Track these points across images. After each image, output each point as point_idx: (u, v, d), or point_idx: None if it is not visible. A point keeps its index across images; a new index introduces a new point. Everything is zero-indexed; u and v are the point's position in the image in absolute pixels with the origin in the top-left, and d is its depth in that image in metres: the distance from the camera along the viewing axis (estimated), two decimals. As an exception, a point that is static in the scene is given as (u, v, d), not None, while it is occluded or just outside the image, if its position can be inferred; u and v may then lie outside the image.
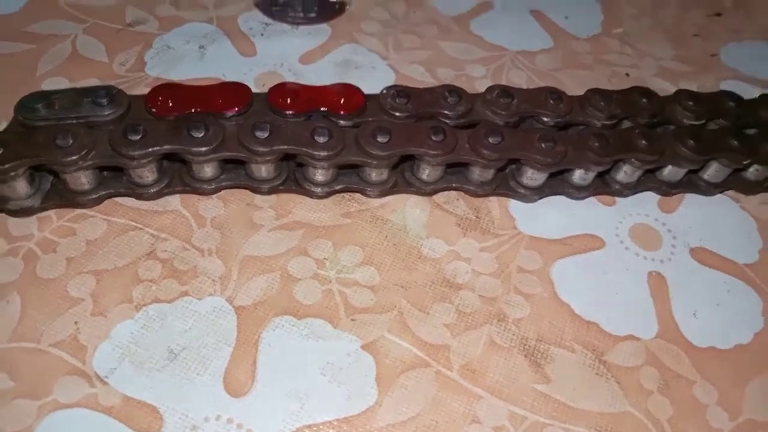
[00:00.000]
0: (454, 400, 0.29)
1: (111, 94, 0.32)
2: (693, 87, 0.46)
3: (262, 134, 0.32)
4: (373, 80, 0.42)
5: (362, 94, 0.35)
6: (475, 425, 0.29)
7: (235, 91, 0.34)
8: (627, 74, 0.46)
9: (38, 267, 0.31)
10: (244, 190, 0.35)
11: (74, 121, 0.32)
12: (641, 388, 0.31)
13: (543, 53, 0.47)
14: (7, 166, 0.29)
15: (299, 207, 0.35)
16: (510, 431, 0.29)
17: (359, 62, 0.43)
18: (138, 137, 0.31)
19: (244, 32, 0.44)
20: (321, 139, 0.32)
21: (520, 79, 0.44)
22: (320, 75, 0.42)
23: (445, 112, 0.36)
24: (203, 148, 0.31)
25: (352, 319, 0.31)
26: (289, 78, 0.41)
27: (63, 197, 0.33)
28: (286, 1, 0.44)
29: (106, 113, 0.32)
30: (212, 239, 0.33)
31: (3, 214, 0.32)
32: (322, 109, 0.34)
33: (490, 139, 0.34)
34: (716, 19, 0.53)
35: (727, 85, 0.47)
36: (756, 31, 0.53)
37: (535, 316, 0.33)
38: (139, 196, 0.33)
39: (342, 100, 0.35)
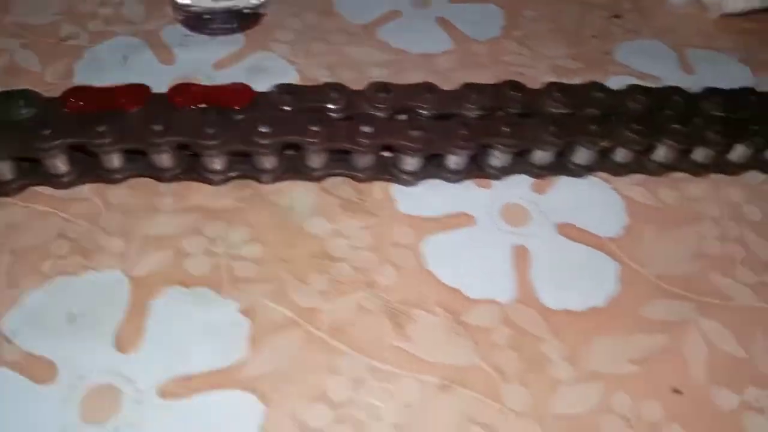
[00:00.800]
0: (319, 355, 0.33)
1: (26, 96, 0.37)
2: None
3: (158, 127, 0.37)
4: (280, 81, 0.47)
5: (252, 91, 0.40)
6: (337, 376, 0.33)
7: (138, 91, 0.39)
8: (521, 73, 0.51)
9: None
10: (149, 179, 0.39)
11: (-8, 121, 0.37)
12: (494, 345, 0.35)
13: (443, 55, 0.51)
14: None
15: (198, 193, 0.39)
16: (367, 381, 0.33)
17: (268, 67, 0.48)
18: (48, 131, 0.36)
19: (166, 43, 0.49)
20: (210, 130, 0.37)
21: (418, 80, 0.49)
22: (231, 79, 0.46)
23: (328, 105, 0.40)
24: (105, 140, 0.36)
25: (235, 288, 0.35)
26: (204, 82, 0.46)
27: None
28: (208, 17, 0.49)
29: (23, 112, 0.37)
30: (116, 222, 0.37)
31: (-66, 204, 0.37)
32: (215, 105, 0.39)
33: (364, 128, 0.39)
34: (615, 21, 0.58)
35: (615, 80, 0.51)
36: (651, 31, 0.57)
37: (403, 284, 0.37)
38: (55, 185, 0.38)
39: (234, 96, 0.39)
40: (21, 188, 0.38)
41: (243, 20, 0.50)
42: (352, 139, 0.38)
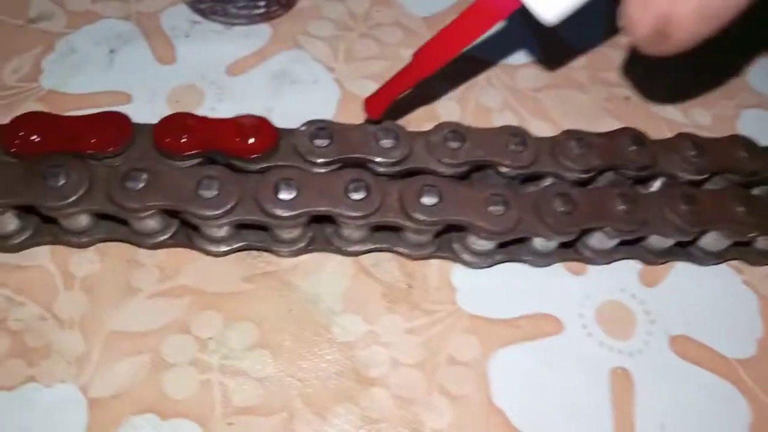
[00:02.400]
0: None
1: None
2: (707, 116, 0.38)
3: (136, 185, 0.26)
4: (311, 98, 0.35)
5: (274, 130, 0.29)
6: None
7: (113, 125, 0.28)
8: (627, 97, 0.38)
9: None
10: (126, 244, 0.29)
11: None
12: None
13: (528, 67, 0.39)
14: None
15: (191, 266, 0.29)
16: None
17: (298, 74, 0.36)
18: (-17, 185, 0.25)
19: (166, 33, 0.37)
20: (208, 194, 0.26)
21: (493, 102, 0.37)
22: (249, 90, 0.35)
23: (377, 158, 0.29)
24: (60, 202, 0.26)
25: (229, 423, 0.26)
26: (211, 93, 0.35)
27: None
28: (225, -2, 0.37)
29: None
30: (77, 306, 0.28)
31: None
32: (220, 150, 0.28)
33: (426, 199, 0.27)
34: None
35: (749, 116, 0.39)
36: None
37: (458, 426, 0.27)
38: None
39: (246, 139, 0.28)
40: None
41: (270, 4, 0.38)
42: (409, 215, 0.27)
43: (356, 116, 0.35)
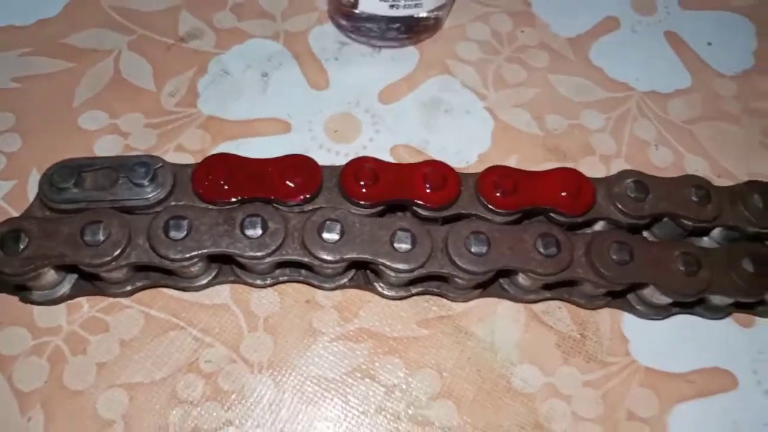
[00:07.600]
0: None
1: (152, 170, 0.27)
2: None
3: (332, 236, 0.26)
4: (466, 129, 0.35)
5: (456, 176, 0.28)
6: None
7: (302, 171, 0.27)
8: (785, 131, 0.37)
9: (66, 373, 0.27)
10: (304, 285, 0.29)
11: (108, 205, 0.26)
12: None
13: (678, 96, 0.38)
14: (26, 268, 0.24)
15: (368, 309, 0.29)
16: None
17: (451, 103, 0.35)
18: (182, 235, 0.25)
19: (316, 54, 0.36)
20: (403, 247, 0.26)
21: (647, 134, 0.36)
22: (402, 119, 0.34)
23: (560, 209, 0.28)
24: (259, 253, 0.26)
25: (423, 476, 0.26)
26: (367, 122, 0.34)
27: (95, 286, 0.28)
28: (368, 15, 0.36)
29: (147, 196, 0.27)
30: (264, 348, 0.28)
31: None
32: (407, 199, 0.28)
33: (616, 256, 0.27)
34: None
35: None
36: None
37: (645, 485, 0.27)
38: (184, 289, 0.28)
39: (429, 187, 0.28)
40: (136, 291, 0.28)
41: (415, 26, 0.37)
42: (599, 272, 0.27)
43: (512, 149, 0.34)
